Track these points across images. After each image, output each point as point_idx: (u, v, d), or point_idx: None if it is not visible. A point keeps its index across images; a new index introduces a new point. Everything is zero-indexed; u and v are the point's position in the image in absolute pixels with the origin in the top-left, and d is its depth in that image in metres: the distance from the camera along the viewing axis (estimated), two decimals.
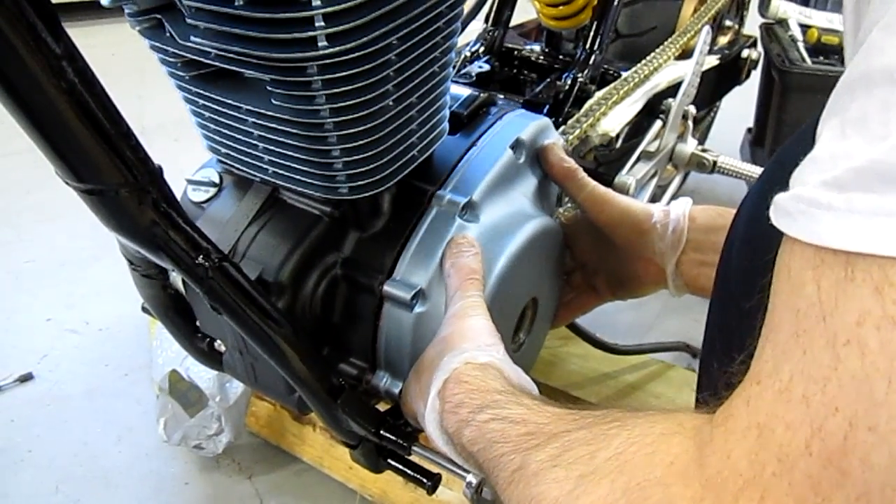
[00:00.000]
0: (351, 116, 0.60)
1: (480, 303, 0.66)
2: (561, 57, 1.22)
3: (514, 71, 1.20)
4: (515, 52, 1.21)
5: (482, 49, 1.18)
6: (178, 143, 2.09)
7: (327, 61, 0.55)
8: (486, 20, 1.20)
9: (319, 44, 0.53)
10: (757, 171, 1.20)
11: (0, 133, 2.20)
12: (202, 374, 1.11)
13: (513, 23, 1.26)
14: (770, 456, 0.34)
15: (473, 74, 1.09)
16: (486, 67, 1.13)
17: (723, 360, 0.43)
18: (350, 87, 0.57)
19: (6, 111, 0.46)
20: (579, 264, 0.91)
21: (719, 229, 0.78)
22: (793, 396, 0.34)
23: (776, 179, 0.39)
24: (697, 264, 0.80)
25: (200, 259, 0.57)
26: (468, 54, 1.16)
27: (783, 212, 0.36)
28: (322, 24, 0.52)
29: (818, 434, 0.32)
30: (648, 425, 0.42)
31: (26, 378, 1.38)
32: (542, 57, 1.21)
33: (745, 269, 0.53)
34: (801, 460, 0.33)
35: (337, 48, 0.53)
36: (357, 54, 0.55)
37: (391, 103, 0.62)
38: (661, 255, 0.81)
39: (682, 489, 0.37)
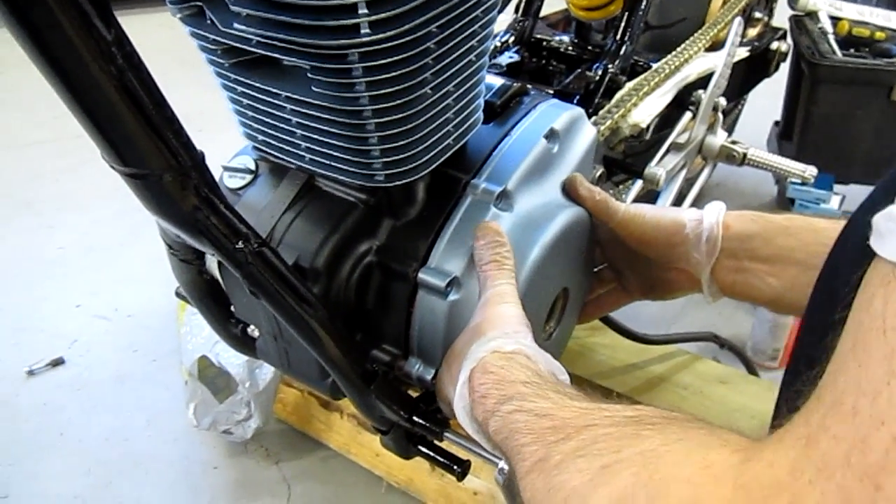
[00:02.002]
0: (390, 104, 0.60)
1: (511, 290, 0.65)
2: (590, 48, 1.22)
3: (543, 62, 1.20)
4: (544, 43, 1.21)
5: (512, 39, 1.18)
6: (202, 133, 2.09)
7: (369, 49, 0.55)
8: (517, 10, 1.20)
9: (362, 31, 0.53)
10: (787, 163, 1.19)
11: (27, 123, 2.25)
12: (232, 360, 1.12)
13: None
14: (810, 465, 0.34)
15: (503, 65, 1.09)
16: (516, 58, 1.13)
17: (794, 377, 0.42)
18: (390, 75, 0.58)
19: (56, 95, 0.47)
20: (610, 261, 0.91)
21: (754, 236, 0.77)
22: (843, 408, 0.34)
23: (883, 197, 0.38)
24: (733, 271, 0.79)
25: (240, 244, 0.58)
26: (498, 44, 1.16)
27: (876, 230, 0.36)
28: (365, 11, 0.52)
29: (860, 446, 0.32)
30: (691, 431, 0.42)
31: (57, 363, 1.40)
32: (571, 48, 1.21)
33: (834, 287, 0.51)
34: (838, 471, 0.32)
35: (379, 35, 0.54)
36: (398, 42, 0.56)
37: (429, 91, 0.63)
38: (696, 265, 0.80)
39: (712, 489, 0.37)
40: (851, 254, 0.49)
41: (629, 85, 1.08)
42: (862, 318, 0.35)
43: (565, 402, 0.52)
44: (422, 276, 0.68)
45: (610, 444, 0.44)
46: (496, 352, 0.60)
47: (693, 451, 0.40)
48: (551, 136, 0.76)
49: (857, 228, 0.45)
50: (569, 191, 0.79)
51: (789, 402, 0.39)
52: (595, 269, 0.90)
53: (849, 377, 0.34)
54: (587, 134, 0.82)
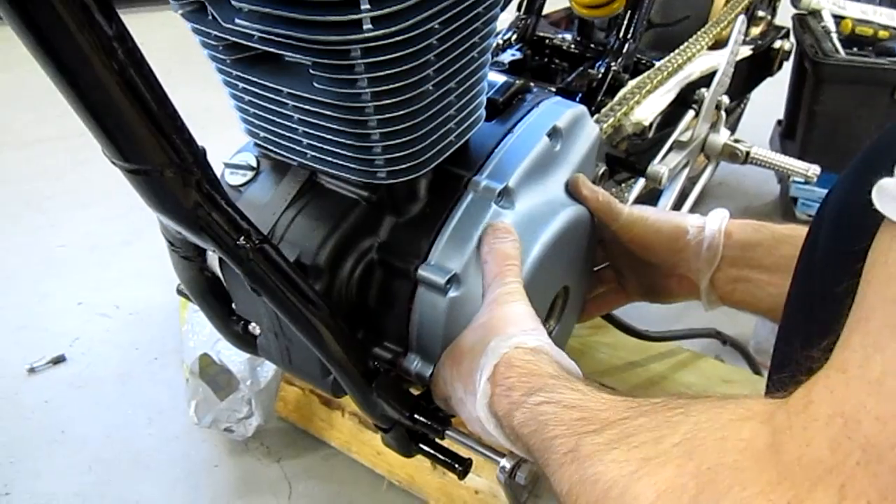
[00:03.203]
0: (392, 100, 0.60)
1: (520, 289, 0.66)
2: (593, 46, 1.22)
3: (546, 59, 1.20)
4: (547, 41, 1.21)
5: (514, 37, 1.17)
6: (204, 129, 2.10)
7: (371, 44, 0.55)
8: (519, 8, 1.20)
9: (364, 27, 0.53)
10: (790, 162, 1.19)
11: (31, 120, 2.25)
12: (233, 358, 1.12)
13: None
14: (855, 446, 0.34)
15: (506, 62, 1.09)
16: (519, 55, 1.13)
17: (804, 345, 0.42)
18: (392, 71, 0.58)
19: (58, 92, 0.47)
20: (611, 261, 0.90)
21: (756, 245, 0.77)
22: (884, 389, 0.34)
23: (875, 162, 0.38)
24: (732, 280, 0.79)
25: (242, 241, 0.58)
26: (500, 42, 1.15)
27: (889, 197, 0.36)
28: (367, 6, 0.52)
29: None
30: (716, 411, 0.42)
31: (59, 360, 1.40)
32: (573, 46, 1.21)
33: (835, 252, 0.51)
34: (889, 453, 0.33)
35: (381, 31, 0.54)
36: (400, 38, 0.55)
37: (431, 88, 0.62)
38: (696, 272, 0.80)
39: (756, 474, 0.37)
40: (848, 220, 0.48)
41: (632, 83, 1.07)
42: (893, 295, 0.35)
43: (595, 393, 0.52)
44: (422, 272, 0.68)
45: (646, 436, 0.44)
46: (519, 347, 0.60)
47: (727, 430, 0.40)
48: (554, 133, 0.76)
49: (850, 198, 0.44)
50: (572, 191, 0.79)
51: (796, 368, 0.39)
52: (596, 269, 0.90)
53: (887, 357, 0.34)
54: (590, 132, 0.82)
